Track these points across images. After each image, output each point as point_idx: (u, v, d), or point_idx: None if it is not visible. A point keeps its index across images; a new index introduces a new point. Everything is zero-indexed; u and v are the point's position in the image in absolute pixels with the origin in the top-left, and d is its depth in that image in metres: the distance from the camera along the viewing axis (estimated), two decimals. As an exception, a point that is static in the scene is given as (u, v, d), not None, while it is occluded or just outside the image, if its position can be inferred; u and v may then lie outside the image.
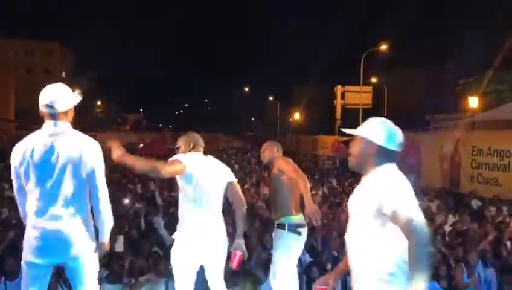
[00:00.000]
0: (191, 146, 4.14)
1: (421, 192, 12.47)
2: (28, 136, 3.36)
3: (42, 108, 3.31)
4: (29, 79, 53.19)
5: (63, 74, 60.33)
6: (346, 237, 2.65)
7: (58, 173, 3.19)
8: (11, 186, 11.02)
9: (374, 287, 2.47)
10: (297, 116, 47.18)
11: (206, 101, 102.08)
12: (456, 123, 15.86)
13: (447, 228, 8.56)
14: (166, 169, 3.70)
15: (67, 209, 3.21)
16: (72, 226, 3.23)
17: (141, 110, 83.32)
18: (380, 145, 2.59)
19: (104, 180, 3.35)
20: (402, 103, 43.35)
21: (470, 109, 19.03)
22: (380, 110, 37.44)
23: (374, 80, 39.49)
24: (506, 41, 22.95)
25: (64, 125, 3.31)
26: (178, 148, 4.20)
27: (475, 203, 11.21)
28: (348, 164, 2.70)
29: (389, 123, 2.70)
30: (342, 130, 2.97)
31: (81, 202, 3.28)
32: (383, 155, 2.60)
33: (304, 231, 4.62)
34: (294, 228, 4.48)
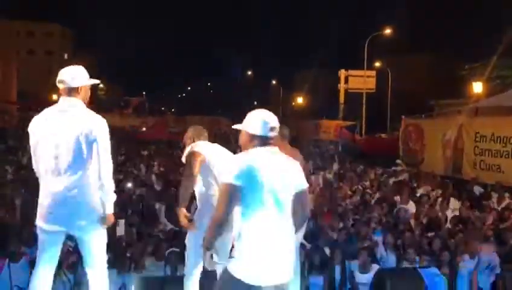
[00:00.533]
0: (193, 140, 4.14)
1: (423, 179, 12.49)
2: (44, 110, 3.63)
3: (57, 84, 3.57)
4: (30, 61, 53.04)
5: (65, 56, 60.12)
6: None
7: (66, 145, 3.42)
8: (14, 168, 11.08)
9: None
10: (300, 100, 47.05)
11: (208, 84, 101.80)
12: (460, 109, 15.78)
13: (449, 215, 8.57)
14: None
15: (74, 180, 3.44)
16: (78, 197, 3.45)
17: (144, 93, 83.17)
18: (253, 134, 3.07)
19: (109, 155, 3.51)
20: (406, 87, 43.12)
21: (474, 95, 18.92)
22: (384, 95, 37.32)
23: (378, 64, 39.25)
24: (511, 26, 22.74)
25: (76, 101, 3.51)
26: (183, 147, 4.21)
27: (477, 190, 11.20)
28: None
29: (262, 113, 3.13)
30: (233, 126, 3.33)
31: (86, 174, 3.48)
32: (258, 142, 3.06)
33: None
34: None
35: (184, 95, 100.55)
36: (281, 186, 2.98)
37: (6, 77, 33.60)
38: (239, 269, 2.89)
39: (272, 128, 3.08)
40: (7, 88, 33.81)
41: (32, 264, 5.21)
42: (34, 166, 3.64)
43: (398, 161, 16.04)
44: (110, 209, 3.58)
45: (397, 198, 9.33)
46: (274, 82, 60.93)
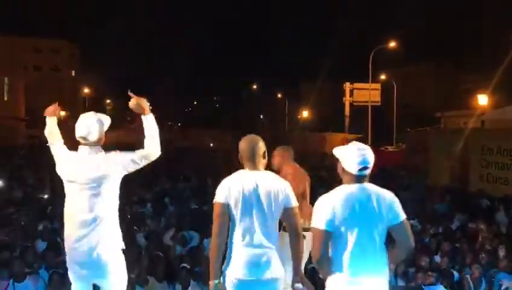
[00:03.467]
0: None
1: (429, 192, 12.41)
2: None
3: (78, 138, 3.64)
4: (38, 77, 53.53)
5: (73, 72, 60.63)
6: None
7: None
8: (18, 185, 11.11)
9: None
10: (305, 113, 47.09)
11: (215, 98, 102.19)
12: (466, 121, 15.76)
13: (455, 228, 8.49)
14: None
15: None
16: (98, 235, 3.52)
17: (150, 107, 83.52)
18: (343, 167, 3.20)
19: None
20: (411, 100, 43.13)
21: (479, 107, 18.88)
22: (389, 108, 37.29)
23: (383, 77, 39.29)
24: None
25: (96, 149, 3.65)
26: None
27: (484, 203, 11.11)
28: None
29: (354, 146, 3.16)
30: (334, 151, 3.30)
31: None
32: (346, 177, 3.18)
33: (309, 234, 4.61)
34: None
35: (190, 109, 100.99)
36: (374, 221, 3.06)
37: (14, 93, 33.91)
38: None
39: (364, 169, 3.11)
40: (15, 105, 34.09)
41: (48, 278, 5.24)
42: None
43: (402, 173, 15.99)
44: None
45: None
46: (280, 95, 61.05)
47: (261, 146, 3.49)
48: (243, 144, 3.49)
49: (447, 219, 9.07)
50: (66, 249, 3.58)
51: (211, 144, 36.40)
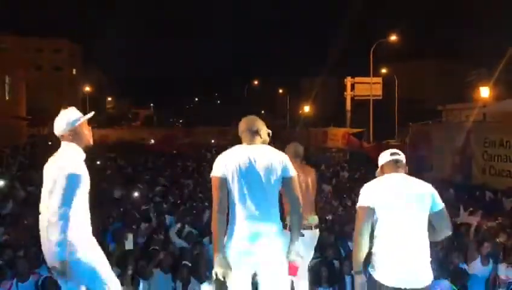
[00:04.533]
0: None
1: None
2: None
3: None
4: (39, 77, 53.54)
5: (74, 71, 60.63)
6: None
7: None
8: (21, 185, 11.13)
9: None
10: (307, 108, 47.01)
11: (216, 94, 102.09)
12: (468, 114, 15.71)
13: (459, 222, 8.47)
14: None
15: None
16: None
17: (151, 105, 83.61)
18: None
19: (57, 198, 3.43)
20: (413, 93, 43.03)
21: (481, 100, 18.81)
22: (391, 101, 37.22)
23: (384, 70, 39.18)
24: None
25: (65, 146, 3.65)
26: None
27: (487, 196, 11.09)
28: None
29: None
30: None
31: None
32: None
33: (309, 232, 4.58)
34: None
35: (192, 106, 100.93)
36: (410, 205, 3.39)
37: (16, 93, 33.89)
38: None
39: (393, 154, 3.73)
40: (16, 104, 34.08)
41: (40, 284, 5.25)
42: None
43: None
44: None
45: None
46: (281, 91, 60.93)
47: (259, 124, 3.54)
48: (242, 123, 3.58)
49: (451, 213, 9.04)
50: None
51: (212, 141, 36.42)
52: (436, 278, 5.28)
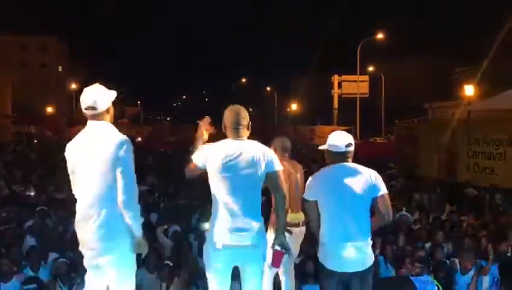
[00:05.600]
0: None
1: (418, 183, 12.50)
2: (77, 136, 3.43)
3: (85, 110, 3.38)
4: (25, 74, 52.94)
5: (60, 68, 60.05)
6: None
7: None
8: (5, 183, 11.02)
9: None
10: (294, 106, 47.12)
11: (203, 92, 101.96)
12: (453, 112, 15.86)
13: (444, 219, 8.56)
14: None
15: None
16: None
17: (139, 103, 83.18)
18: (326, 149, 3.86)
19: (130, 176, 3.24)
20: (399, 91, 43.26)
21: (466, 97, 19.01)
22: (377, 99, 37.44)
23: (371, 68, 39.38)
24: (503, 29, 22.88)
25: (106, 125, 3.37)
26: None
27: (472, 193, 11.22)
28: None
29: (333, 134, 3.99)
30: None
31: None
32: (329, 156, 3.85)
33: (296, 229, 4.58)
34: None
35: (179, 104, 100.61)
36: (352, 193, 3.60)
37: (1, 90, 33.51)
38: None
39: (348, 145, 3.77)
40: (2, 101, 33.71)
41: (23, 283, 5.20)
42: None
43: (391, 164, 16.07)
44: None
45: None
46: (268, 89, 61.00)
47: (245, 116, 3.48)
48: (227, 113, 3.50)
49: (436, 210, 9.15)
50: None
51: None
52: (419, 274, 5.38)
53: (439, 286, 5.23)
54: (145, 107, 78.90)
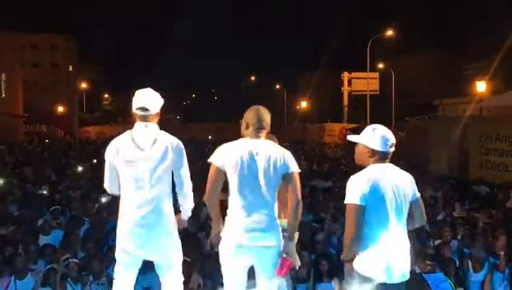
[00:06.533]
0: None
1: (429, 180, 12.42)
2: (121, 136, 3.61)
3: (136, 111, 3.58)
4: (35, 73, 53.36)
5: (70, 68, 60.42)
6: None
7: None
8: (18, 182, 11.13)
9: None
10: (304, 104, 47.01)
11: (212, 90, 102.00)
12: (464, 108, 15.75)
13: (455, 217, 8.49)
14: None
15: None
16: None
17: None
18: (372, 149, 3.25)
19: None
20: (410, 88, 43.02)
21: (478, 94, 18.85)
22: (388, 96, 37.24)
23: (381, 65, 39.16)
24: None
25: (154, 127, 3.60)
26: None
27: (483, 190, 11.12)
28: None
29: (379, 129, 3.29)
30: (348, 137, 3.49)
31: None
32: (377, 157, 3.26)
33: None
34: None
35: (189, 102, 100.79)
36: (398, 199, 3.25)
37: (12, 90, 33.79)
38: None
39: (392, 145, 3.30)
40: (13, 101, 33.98)
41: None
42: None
43: (402, 162, 15.96)
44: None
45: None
46: (278, 86, 60.89)
47: (267, 118, 3.50)
48: (250, 114, 3.51)
49: (447, 207, 9.08)
50: None
51: (209, 136, 36.40)
52: (430, 272, 5.34)
53: (451, 283, 5.20)
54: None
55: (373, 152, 3.23)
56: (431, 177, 12.88)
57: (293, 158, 3.44)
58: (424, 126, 15.83)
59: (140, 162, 3.45)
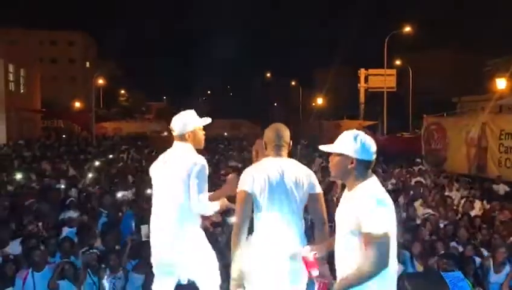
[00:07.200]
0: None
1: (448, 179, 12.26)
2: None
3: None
4: (53, 69, 53.96)
5: (87, 64, 60.98)
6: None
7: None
8: (37, 177, 11.26)
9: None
10: (320, 101, 46.79)
11: (228, 87, 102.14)
12: (483, 106, 15.50)
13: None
14: None
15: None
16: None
17: (164, 98, 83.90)
18: (356, 158, 2.82)
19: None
20: (427, 85, 42.56)
21: (497, 91, 18.54)
22: (405, 93, 36.88)
23: (398, 62, 38.78)
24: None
25: (182, 146, 3.83)
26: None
27: (503, 189, 10.97)
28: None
29: (361, 135, 2.89)
30: (320, 147, 3.10)
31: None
32: (362, 167, 2.83)
33: None
34: None
35: (204, 98, 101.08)
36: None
37: (31, 86, 34.19)
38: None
39: (375, 153, 2.92)
40: (31, 97, 34.37)
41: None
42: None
43: (418, 160, 15.80)
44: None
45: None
46: (293, 83, 60.71)
47: (286, 134, 3.50)
48: (269, 132, 3.52)
49: (466, 206, 8.97)
50: None
51: (225, 133, 36.48)
52: (449, 270, 5.27)
53: (469, 283, 5.13)
54: (171, 103, 79.59)
55: (357, 162, 2.81)
56: (449, 175, 12.74)
57: (316, 179, 3.45)
58: (441, 123, 15.62)
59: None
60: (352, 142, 2.83)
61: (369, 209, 2.63)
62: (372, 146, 2.85)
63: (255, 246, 3.33)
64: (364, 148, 2.81)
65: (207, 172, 3.72)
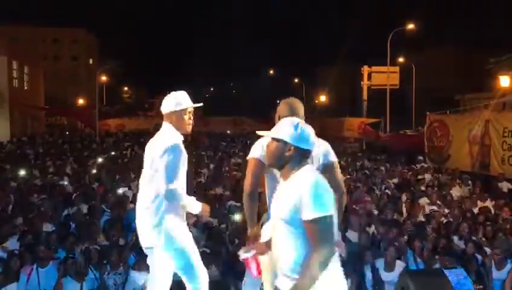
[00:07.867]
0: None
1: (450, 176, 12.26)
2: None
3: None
4: (56, 66, 54.07)
5: (90, 61, 61.06)
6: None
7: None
8: (40, 173, 11.29)
9: (279, 280, 2.65)
10: (323, 98, 46.73)
11: (231, 84, 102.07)
12: (486, 104, 15.46)
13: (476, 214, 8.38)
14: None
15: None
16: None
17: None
18: (295, 146, 2.67)
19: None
20: (430, 82, 42.46)
21: (501, 89, 18.47)
22: (408, 91, 36.80)
23: (401, 59, 38.67)
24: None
25: (164, 126, 3.76)
26: None
27: (506, 186, 10.96)
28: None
29: (302, 124, 2.75)
30: (257, 132, 2.97)
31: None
32: (299, 155, 2.68)
33: None
34: None
35: (207, 95, 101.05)
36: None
37: (34, 82, 34.25)
38: None
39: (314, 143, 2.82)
40: (35, 94, 34.44)
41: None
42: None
43: (420, 158, 15.80)
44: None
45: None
46: (296, 80, 60.64)
47: (301, 109, 3.47)
48: (283, 105, 3.49)
49: (469, 203, 8.96)
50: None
51: (228, 131, 36.46)
52: (452, 267, 5.28)
53: (471, 280, 5.14)
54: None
55: (295, 149, 2.67)
56: (452, 173, 12.73)
57: (331, 148, 3.37)
58: (444, 121, 15.59)
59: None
60: (292, 129, 2.68)
61: (308, 194, 2.50)
62: (312, 136, 2.73)
63: (268, 218, 3.22)
64: (303, 136, 2.68)
65: (179, 154, 3.51)
